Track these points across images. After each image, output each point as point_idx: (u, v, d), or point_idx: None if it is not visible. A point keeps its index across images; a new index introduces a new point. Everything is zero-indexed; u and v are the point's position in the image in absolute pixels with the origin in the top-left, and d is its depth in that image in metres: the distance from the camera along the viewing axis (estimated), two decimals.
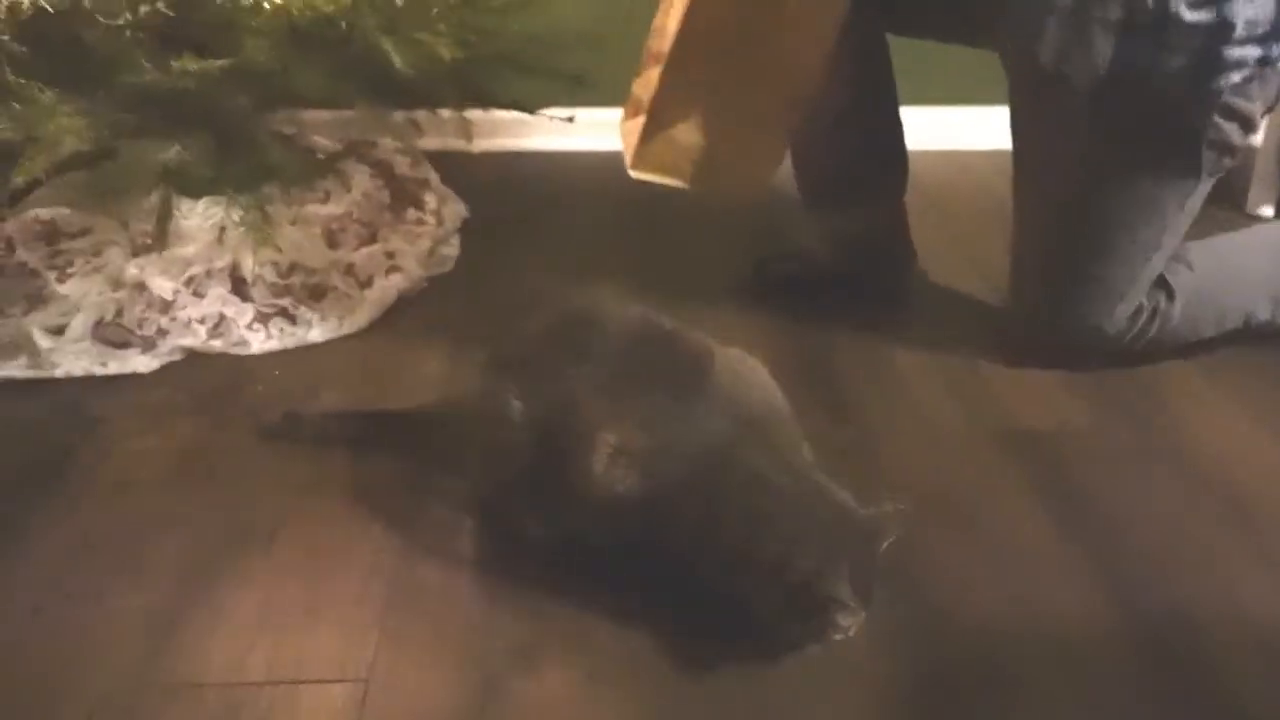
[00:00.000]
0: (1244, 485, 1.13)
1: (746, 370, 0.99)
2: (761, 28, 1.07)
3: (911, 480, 1.13)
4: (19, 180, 1.02)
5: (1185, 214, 1.24)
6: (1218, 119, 1.14)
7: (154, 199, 1.28)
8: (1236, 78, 1.12)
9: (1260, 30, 1.09)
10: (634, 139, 1.14)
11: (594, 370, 0.94)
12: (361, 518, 1.06)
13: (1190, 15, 1.08)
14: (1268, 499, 1.11)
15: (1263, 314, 1.33)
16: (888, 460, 1.17)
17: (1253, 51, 1.10)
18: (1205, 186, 1.22)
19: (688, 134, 1.13)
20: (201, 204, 1.41)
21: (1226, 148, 1.17)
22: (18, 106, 1.00)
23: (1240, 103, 1.14)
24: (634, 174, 1.15)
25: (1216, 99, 1.13)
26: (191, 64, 1.00)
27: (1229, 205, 1.73)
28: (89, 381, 1.29)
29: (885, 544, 0.87)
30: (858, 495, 0.90)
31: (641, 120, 1.12)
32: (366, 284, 1.47)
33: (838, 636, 0.86)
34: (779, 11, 1.07)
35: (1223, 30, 1.09)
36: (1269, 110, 1.20)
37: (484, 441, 1.02)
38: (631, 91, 1.18)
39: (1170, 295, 1.29)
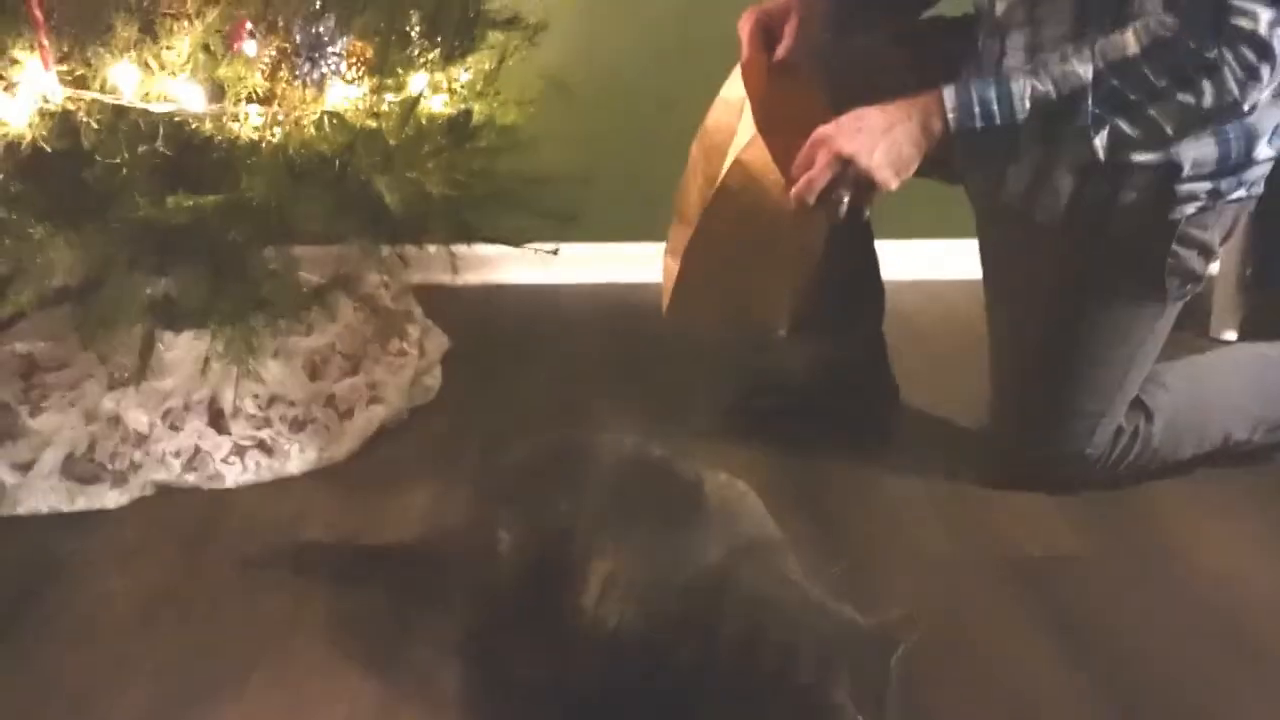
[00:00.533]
0: (1243, 609, 1.12)
1: (736, 496, 0.97)
2: (767, 234, 1.18)
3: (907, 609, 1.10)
4: (3, 314, 1.00)
5: (1155, 339, 1.27)
6: (1177, 248, 1.19)
7: (137, 332, 1.27)
8: (1191, 209, 1.18)
9: (1207, 169, 1.16)
10: (669, 287, 1.25)
11: (585, 501, 0.92)
12: (340, 660, 1.01)
13: (1140, 157, 1.14)
14: (1267, 624, 1.10)
15: (1240, 433, 1.35)
16: (882, 590, 1.14)
17: (1203, 185, 1.16)
18: (1173, 311, 1.26)
19: (713, 292, 1.25)
20: (185, 337, 1.40)
21: (1189, 274, 1.22)
22: (8, 241, 1.00)
23: (1197, 233, 1.19)
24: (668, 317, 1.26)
25: (1174, 229, 1.18)
26: (187, 200, 1.01)
27: (1194, 329, 1.78)
28: (54, 519, 1.24)
29: (897, 653, 0.83)
30: (861, 610, 0.87)
31: (675, 272, 1.24)
32: (347, 415, 1.45)
33: None
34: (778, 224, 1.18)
35: (1171, 170, 1.15)
36: (1226, 238, 1.25)
37: (471, 577, 0.99)
38: (669, 234, 1.29)
39: (1149, 416, 1.30)
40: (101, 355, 1.30)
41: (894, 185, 1.11)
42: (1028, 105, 1.08)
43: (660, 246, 2.15)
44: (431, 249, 1.62)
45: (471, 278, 2.04)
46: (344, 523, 1.25)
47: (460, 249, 1.67)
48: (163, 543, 1.21)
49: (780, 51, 1.23)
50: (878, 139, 1.08)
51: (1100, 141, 1.09)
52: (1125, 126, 1.09)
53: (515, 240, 1.59)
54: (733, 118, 1.14)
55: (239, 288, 1.12)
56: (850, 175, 1.09)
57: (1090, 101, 1.07)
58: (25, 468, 1.27)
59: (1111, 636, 1.07)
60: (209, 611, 1.09)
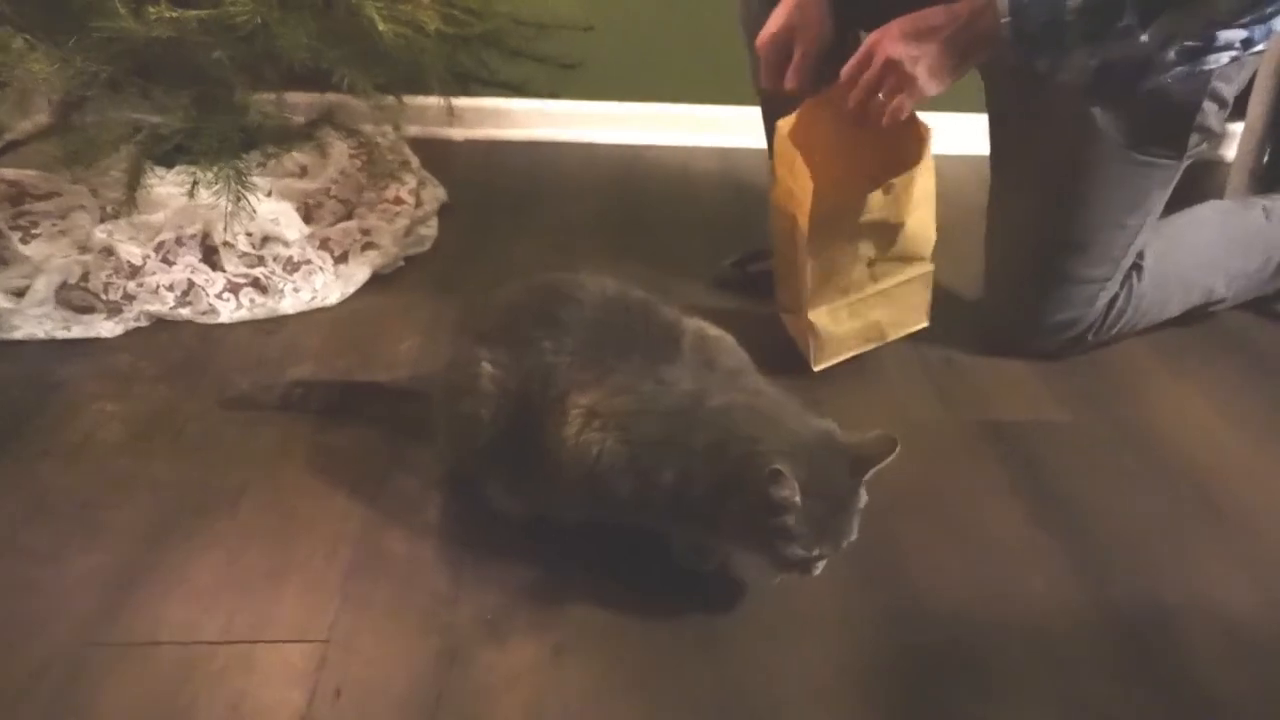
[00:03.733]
0: (1211, 475, 1.14)
1: (714, 337, 0.98)
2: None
3: (888, 469, 1.12)
4: None
5: (1161, 201, 1.28)
6: (1206, 102, 1.18)
7: (124, 162, 1.25)
8: (1226, 59, 1.16)
9: (1245, 19, 1.12)
10: (805, 345, 1.28)
11: (565, 338, 0.92)
12: (328, 486, 1.04)
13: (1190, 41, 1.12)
14: (1233, 489, 1.12)
15: (1220, 289, 1.38)
16: None
17: (1239, 34, 1.14)
18: (1179, 172, 1.26)
19: (846, 333, 1.29)
20: (174, 171, 1.38)
21: (1207, 130, 1.22)
22: None
23: (1221, 86, 1.19)
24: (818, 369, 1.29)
25: (1207, 82, 1.16)
26: (168, 12, 0.98)
27: None
28: (50, 345, 1.26)
29: (870, 470, 0.85)
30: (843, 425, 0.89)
31: (802, 329, 1.27)
32: (341, 259, 1.44)
33: (795, 551, 0.83)
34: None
35: None
36: (1237, 95, 1.24)
37: (454, 411, 1.00)
38: (778, 295, 1.36)
39: (1139, 276, 1.32)
40: (88, 182, 1.28)
41: (933, 91, 1.10)
42: (1080, 3, 1.04)
43: (663, 108, 2.12)
44: (429, 101, 1.58)
45: (470, 133, 2.00)
46: (335, 363, 1.26)
47: (460, 103, 1.62)
48: (157, 371, 1.22)
49: (789, 82, 1.20)
50: (927, 42, 1.07)
51: (1149, 35, 1.06)
52: (1173, 18, 1.06)
53: (516, 86, 1.54)
54: (792, 157, 1.17)
55: (224, 119, 1.09)
56: (895, 79, 1.09)
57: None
58: (19, 294, 1.28)
59: (1080, 497, 1.10)
60: (202, 437, 1.11)
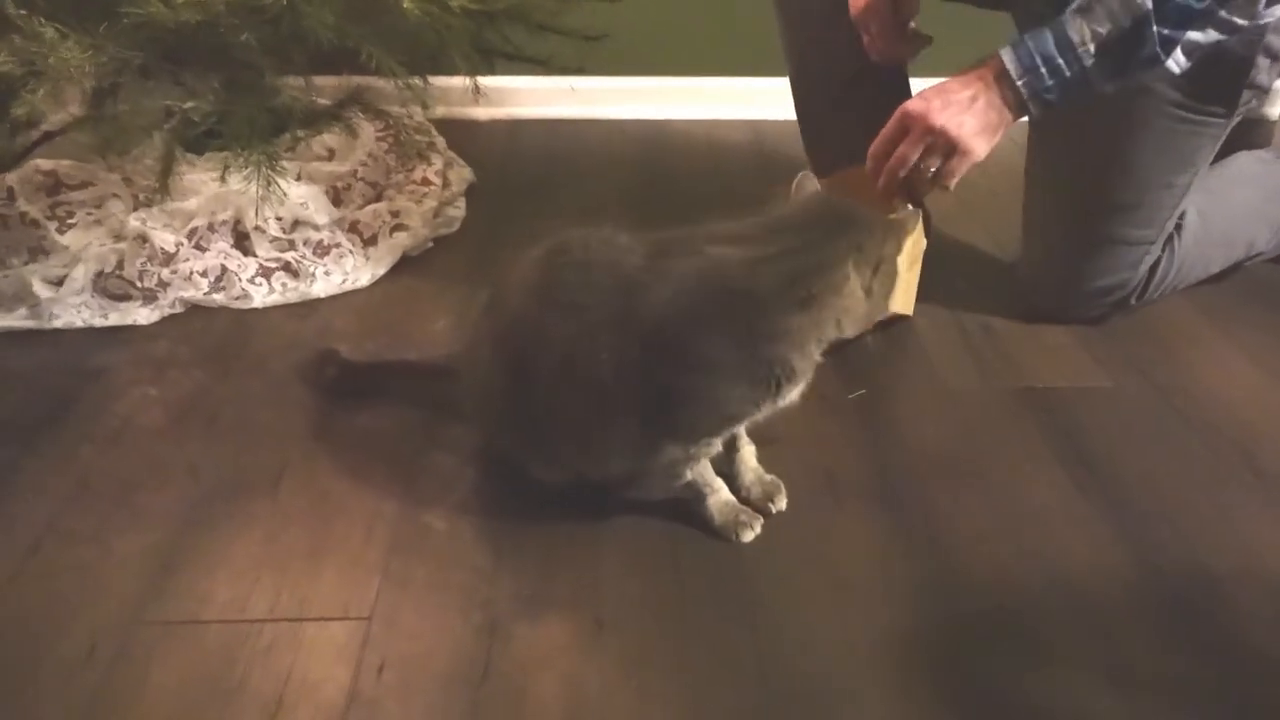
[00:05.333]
0: (1257, 438, 1.12)
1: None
2: None
3: (925, 438, 1.11)
4: (19, 112, 0.99)
5: (1208, 160, 1.25)
6: (1259, 57, 1.15)
7: (157, 149, 1.26)
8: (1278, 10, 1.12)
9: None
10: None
11: (560, 295, 0.90)
12: (366, 465, 1.05)
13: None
14: (1277, 450, 1.09)
15: (1261, 242, 1.35)
16: (901, 418, 1.15)
17: None
18: (1228, 129, 1.23)
19: None
20: (204, 158, 1.39)
21: (1258, 87, 1.18)
22: (19, 40, 0.98)
23: (1276, 40, 1.15)
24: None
25: (1261, 36, 1.13)
26: None
27: None
28: (89, 333, 1.27)
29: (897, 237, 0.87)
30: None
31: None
32: (371, 242, 1.45)
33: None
34: None
35: None
36: None
37: (469, 387, 1.00)
38: None
39: (1180, 231, 1.29)
40: (121, 170, 1.29)
41: (984, 154, 1.09)
42: (1092, 50, 1.03)
43: (690, 81, 2.10)
44: (453, 81, 1.57)
45: (495, 113, 1.99)
46: (368, 344, 1.27)
47: (485, 82, 1.61)
48: (193, 356, 1.24)
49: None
50: (966, 108, 1.06)
51: (1175, 61, 1.05)
52: (1198, 36, 1.04)
53: (542, 61, 1.52)
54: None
55: (253, 101, 1.09)
56: (942, 146, 1.07)
57: (1154, 25, 1.01)
58: (58, 283, 1.29)
59: (1123, 462, 1.08)
60: (239, 420, 1.12)
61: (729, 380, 0.86)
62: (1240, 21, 1.06)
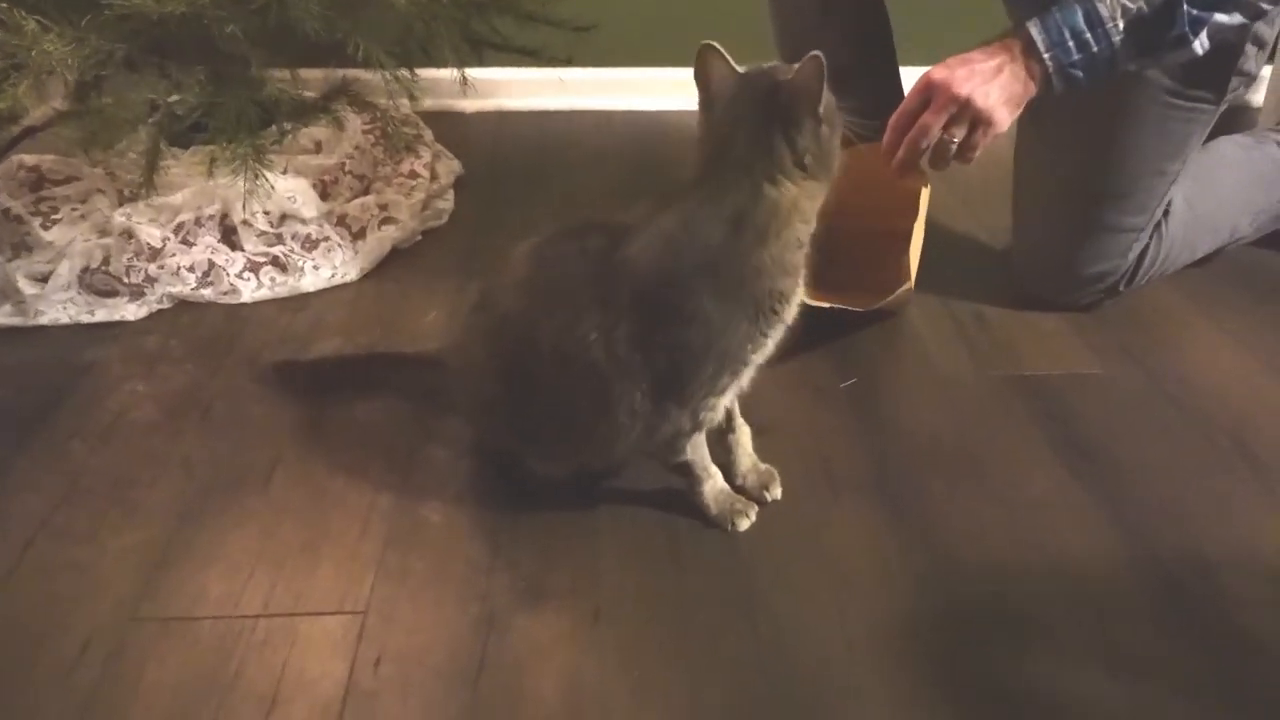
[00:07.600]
0: (1248, 423, 1.12)
1: None
2: None
3: (919, 426, 1.12)
4: (1, 107, 0.98)
5: (1198, 146, 1.26)
6: (1248, 45, 1.16)
7: (142, 143, 1.24)
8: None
9: None
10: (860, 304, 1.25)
11: (542, 287, 0.90)
12: (361, 459, 1.04)
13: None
14: (1272, 436, 1.10)
15: (1244, 227, 1.37)
16: (895, 406, 1.15)
17: None
18: (1216, 116, 1.24)
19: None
20: (190, 151, 1.37)
21: (1245, 74, 1.19)
22: (0, 34, 0.96)
23: (1264, 28, 1.16)
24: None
25: (1249, 26, 1.13)
26: None
27: None
28: (77, 329, 1.26)
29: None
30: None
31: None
32: (360, 235, 1.44)
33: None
34: None
35: None
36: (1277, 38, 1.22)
37: (464, 385, 1.00)
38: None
39: (1167, 218, 1.30)
40: (106, 165, 1.27)
41: (1007, 126, 1.08)
42: (1121, 26, 1.02)
43: (678, 72, 2.09)
44: (440, 73, 1.56)
45: (481, 104, 1.98)
46: (359, 338, 1.26)
47: (472, 73, 1.60)
48: (183, 351, 1.23)
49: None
50: (991, 78, 1.05)
51: (1200, 42, 1.04)
52: (1224, 18, 1.04)
53: (531, 51, 1.52)
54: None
55: (240, 94, 1.08)
56: (966, 116, 1.05)
57: (1185, 5, 1.01)
58: (43, 279, 1.28)
59: (1116, 449, 1.08)
60: (231, 414, 1.11)
61: (730, 324, 0.86)
62: (1265, 5, 1.05)
